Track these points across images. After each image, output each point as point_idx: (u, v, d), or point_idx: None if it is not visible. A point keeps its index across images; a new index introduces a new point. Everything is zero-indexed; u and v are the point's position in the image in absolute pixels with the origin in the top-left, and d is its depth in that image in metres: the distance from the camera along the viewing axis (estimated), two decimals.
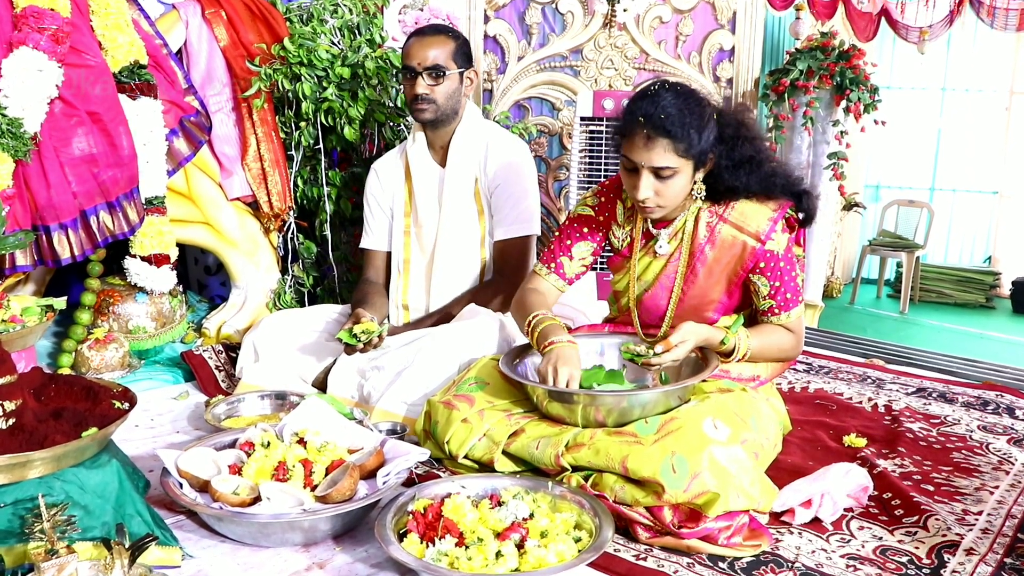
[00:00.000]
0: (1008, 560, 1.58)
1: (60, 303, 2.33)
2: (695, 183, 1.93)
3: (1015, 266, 7.12)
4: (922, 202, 7.20)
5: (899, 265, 7.08)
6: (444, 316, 2.51)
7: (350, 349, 2.22)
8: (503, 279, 2.54)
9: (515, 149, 2.60)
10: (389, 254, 2.67)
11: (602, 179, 3.45)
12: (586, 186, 3.49)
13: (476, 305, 2.43)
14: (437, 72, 2.46)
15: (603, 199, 2.14)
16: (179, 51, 2.87)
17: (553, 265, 2.15)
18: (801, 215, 2.00)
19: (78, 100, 2.35)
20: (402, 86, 2.62)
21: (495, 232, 2.58)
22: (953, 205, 7.54)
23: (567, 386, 1.80)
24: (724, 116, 1.92)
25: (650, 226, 2.05)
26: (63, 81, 2.30)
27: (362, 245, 2.72)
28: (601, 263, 3.22)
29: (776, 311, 2.00)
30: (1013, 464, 2.03)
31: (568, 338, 1.94)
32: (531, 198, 2.59)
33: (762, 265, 1.96)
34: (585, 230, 2.14)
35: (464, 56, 2.52)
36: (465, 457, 1.85)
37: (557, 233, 2.19)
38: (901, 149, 7.55)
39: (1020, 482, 1.93)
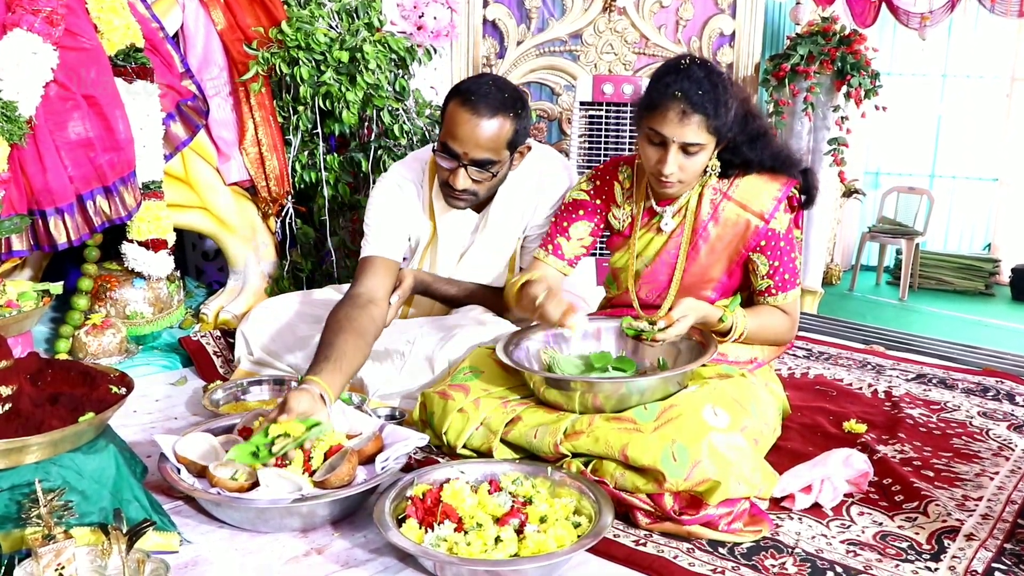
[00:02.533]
0: (1008, 545, 1.58)
1: (57, 288, 2.32)
2: (711, 159, 1.95)
3: (1015, 253, 7.12)
4: (922, 189, 7.19)
5: (899, 252, 7.08)
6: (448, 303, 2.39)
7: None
8: None
9: (565, 185, 2.29)
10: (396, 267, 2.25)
11: (601, 164, 3.44)
12: (585, 171, 3.48)
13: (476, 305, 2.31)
14: (487, 167, 2.07)
15: (598, 182, 2.13)
16: (176, 35, 2.84)
17: (551, 247, 2.12)
18: (803, 196, 2.01)
19: (74, 83, 2.33)
20: (436, 154, 2.11)
21: (524, 259, 2.34)
22: (953, 192, 7.53)
23: (565, 317, 1.82)
24: (737, 92, 1.94)
25: (654, 204, 2.04)
26: (58, 64, 2.28)
27: (367, 253, 2.19)
28: (602, 250, 3.20)
29: (773, 291, 2.00)
30: (1013, 450, 2.03)
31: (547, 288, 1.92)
32: None
33: (763, 244, 1.96)
34: (581, 212, 2.12)
35: (524, 132, 2.10)
36: (464, 446, 1.84)
37: (552, 219, 2.18)
38: (901, 135, 7.53)
39: (1020, 468, 1.93)
